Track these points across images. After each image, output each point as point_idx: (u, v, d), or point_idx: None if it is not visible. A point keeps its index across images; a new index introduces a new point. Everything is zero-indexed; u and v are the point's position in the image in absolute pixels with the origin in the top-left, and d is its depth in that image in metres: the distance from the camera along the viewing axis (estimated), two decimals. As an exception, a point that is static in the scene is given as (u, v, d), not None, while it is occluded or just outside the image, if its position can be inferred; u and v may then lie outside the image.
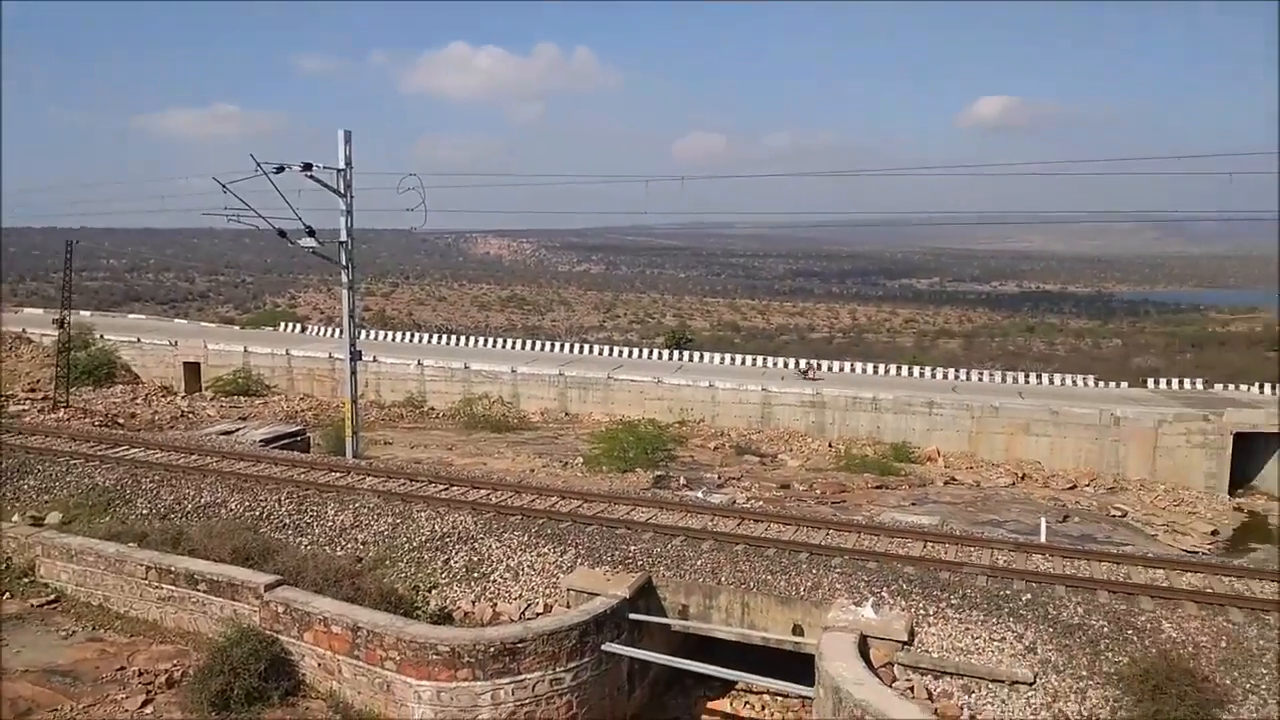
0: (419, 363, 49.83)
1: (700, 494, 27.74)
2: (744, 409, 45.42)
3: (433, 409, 48.15)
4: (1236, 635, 14.32)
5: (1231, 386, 51.61)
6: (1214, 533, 34.12)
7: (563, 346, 57.52)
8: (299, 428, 34.87)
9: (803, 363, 51.72)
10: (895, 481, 36.34)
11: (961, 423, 42.56)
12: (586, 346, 57.99)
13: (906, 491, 35.02)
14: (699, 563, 17.72)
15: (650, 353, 57.63)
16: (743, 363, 54.29)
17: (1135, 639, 14.43)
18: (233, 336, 60.45)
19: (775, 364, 53.61)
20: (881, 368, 53.79)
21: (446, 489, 21.82)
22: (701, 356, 55.66)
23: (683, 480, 32.70)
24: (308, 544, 19.85)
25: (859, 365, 54.52)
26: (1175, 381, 51.78)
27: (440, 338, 61.72)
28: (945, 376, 51.70)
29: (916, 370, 52.89)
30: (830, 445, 42.41)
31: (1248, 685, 13.49)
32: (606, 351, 56.10)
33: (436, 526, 19.81)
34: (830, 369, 52.60)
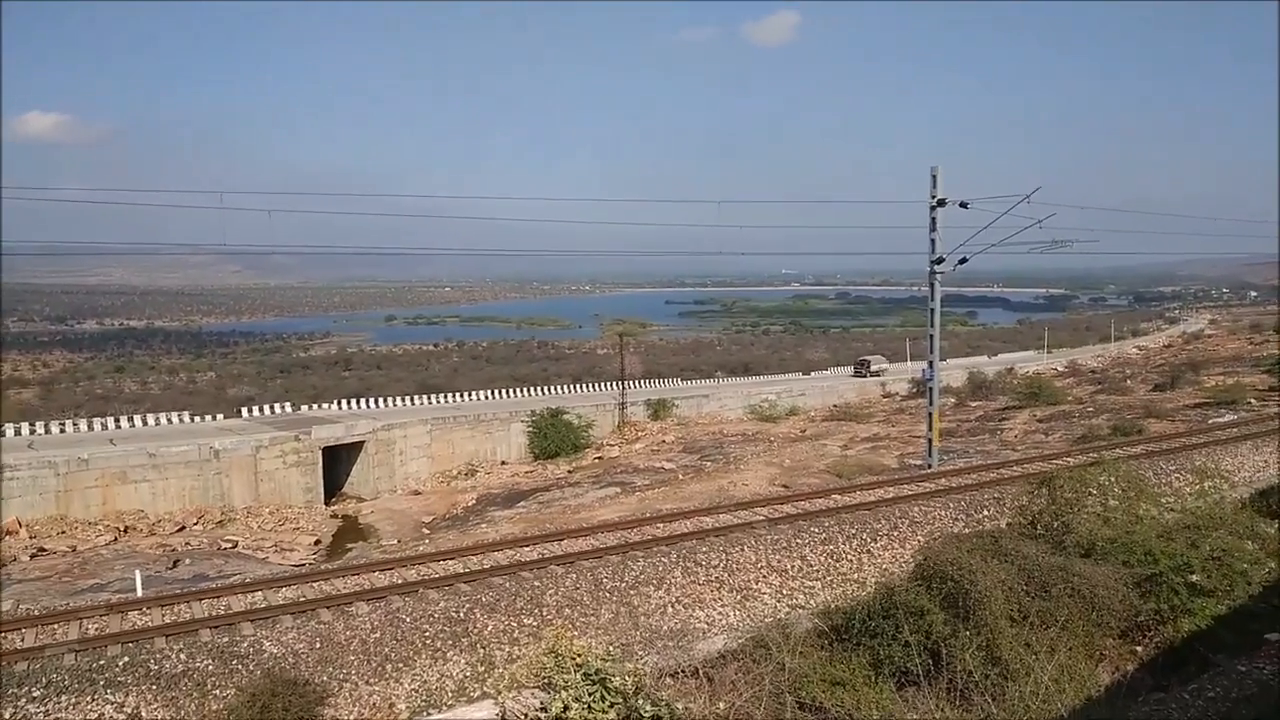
0: None
1: None
2: None
3: None
4: (327, 633, 15.81)
5: (316, 406, 57.87)
6: (317, 542, 37.69)
7: None
8: None
9: None
10: (-42, 571, 29.94)
11: (46, 483, 37.55)
12: None
13: (-24, 580, 29.17)
14: None
15: None
16: None
17: (240, 667, 14.65)
18: None
19: None
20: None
21: None
22: None
23: None
24: None
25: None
26: (269, 407, 55.41)
27: None
28: (20, 433, 45.15)
29: (-20, 431, 44.72)
30: None
31: (341, 675, 15.00)
32: None
33: None
34: None
